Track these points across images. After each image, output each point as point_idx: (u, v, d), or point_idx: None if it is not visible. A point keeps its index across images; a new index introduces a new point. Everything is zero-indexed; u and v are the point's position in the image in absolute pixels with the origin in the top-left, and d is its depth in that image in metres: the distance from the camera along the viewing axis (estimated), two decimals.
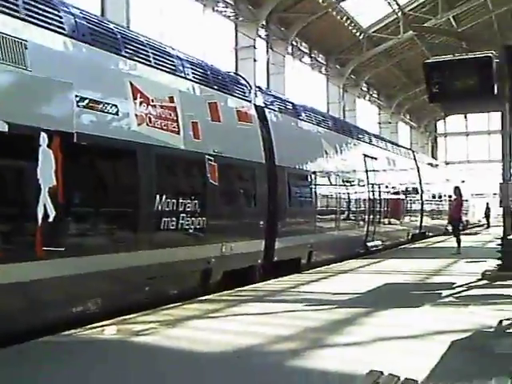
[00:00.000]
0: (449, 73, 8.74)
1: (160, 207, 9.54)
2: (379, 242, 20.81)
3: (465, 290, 10.84)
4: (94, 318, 8.01)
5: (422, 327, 7.56)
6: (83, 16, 9.05)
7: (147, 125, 9.45)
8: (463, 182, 39.17)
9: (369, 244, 19.89)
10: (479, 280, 12.04)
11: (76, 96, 8.08)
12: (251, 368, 5.92)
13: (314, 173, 15.82)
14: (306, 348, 6.57)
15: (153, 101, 9.67)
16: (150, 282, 9.44)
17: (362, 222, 19.42)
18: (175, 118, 10.13)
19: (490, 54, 9.09)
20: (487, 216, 44.27)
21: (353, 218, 18.72)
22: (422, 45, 39.85)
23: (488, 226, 41.76)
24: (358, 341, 6.88)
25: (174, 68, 10.73)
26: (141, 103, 9.39)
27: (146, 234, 9.45)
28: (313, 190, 15.75)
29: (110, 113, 8.77)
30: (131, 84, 9.32)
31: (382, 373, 3.32)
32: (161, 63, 10.37)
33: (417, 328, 7.51)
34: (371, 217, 20.16)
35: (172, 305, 9.34)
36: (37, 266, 7.37)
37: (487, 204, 43.96)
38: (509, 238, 13.02)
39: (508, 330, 7.27)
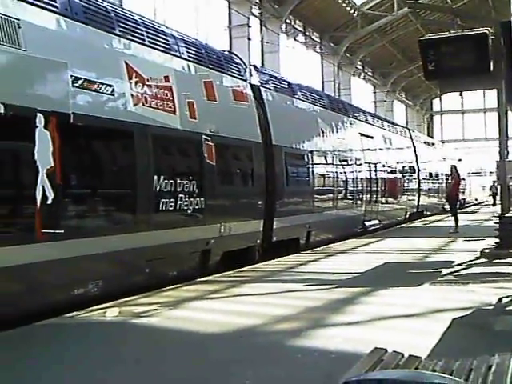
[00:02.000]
0: (444, 50, 8.67)
1: (158, 188, 9.47)
2: (377, 222, 20.81)
3: (464, 269, 10.85)
4: (95, 300, 8.00)
5: (423, 305, 7.56)
6: None
7: (143, 105, 9.35)
8: (460, 160, 39.08)
9: (367, 223, 19.88)
10: (478, 258, 12.05)
11: (71, 76, 7.98)
12: (254, 347, 5.92)
13: (311, 152, 15.74)
14: (308, 328, 6.56)
15: (148, 80, 9.56)
16: (150, 263, 9.41)
17: (359, 202, 19.39)
18: (171, 98, 10.03)
19: (486, 31, 9.00)
20: (494, 194, 43.06)
21: (350, 197, 18.68)
22: (417, 22, 39.62)
23: (494, 204, 40.98)
24: (360, 320, 6.88)
25: (168, 47, 10.60)
26: (136, 83, 9.28)
27: (145, 216, 9.40)
28: (310, 169, 15.69)
29: (106, 93, 8.67)
30: (126, 63, 9.21)
31: (386, 350, 3.28)
32: (155, 42, 10.23)
33: (417, 306, 7.52)
34: (368, 196, 20.14)
35: (172, 286, 9.32)
36: (36, 248, 7.32)
37: (494, 182, 42.62)
38: (506, 216, 13.02)
39: (507, 308, 7.27)
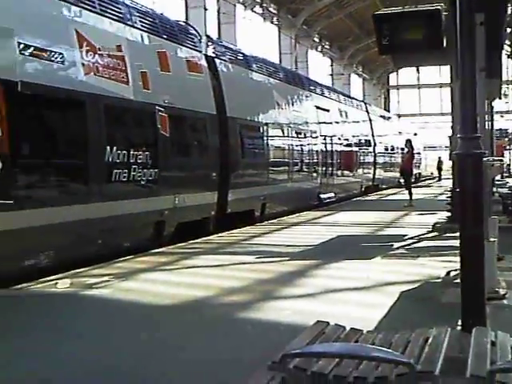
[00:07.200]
0: (398, 25, 8.65)
1: (111, 159, 9.36)
2: (332, 194, 20.97)
3: (415, 242, 10.99)
4: (47, 271, 7.88)
5: (373, 279, 7.63)
6: None
7: (95, 74, 9.19)
8: (415, 134, 39.63)
9: (322, 196, 20.02)
10: (430, 232, 12.21)
11: (18, 43, 7.75)
12: (205, 319, 5.92)
13: (267, 124, 15.73)
14: (259, 300, 6.60)
15: (100, 49, 9.39)
16: (103, 234, 9.30)
17: (315, 174, 19.50)
18: (124, 68, 9.87)
19: (439, 7, 9.02)
20: (439, 169, 45.03)
21: (306, 170, 18.76)
22: None
23: (439, 179, 42.40)
24: (310, 292, 6.92)
25: (121, 16, 10.40)
26: (87, 51, 9.10)
27: (98, 186, 9.30)
28: (265, 141, 15.69)
29: (56, 61, 8.48)
30: (77, 31, 9.00)
31: (328, 323, 3.32)
32: (107, 10, 10.03)
33: (368, 280, 7.58)
34: (324, 169, 20.26)
35: (125, 258, 9.26)
36: None
37: (439, 157, 44.60)
38: (458, 190, 13.21)
39: (455, 281, 7.38)
